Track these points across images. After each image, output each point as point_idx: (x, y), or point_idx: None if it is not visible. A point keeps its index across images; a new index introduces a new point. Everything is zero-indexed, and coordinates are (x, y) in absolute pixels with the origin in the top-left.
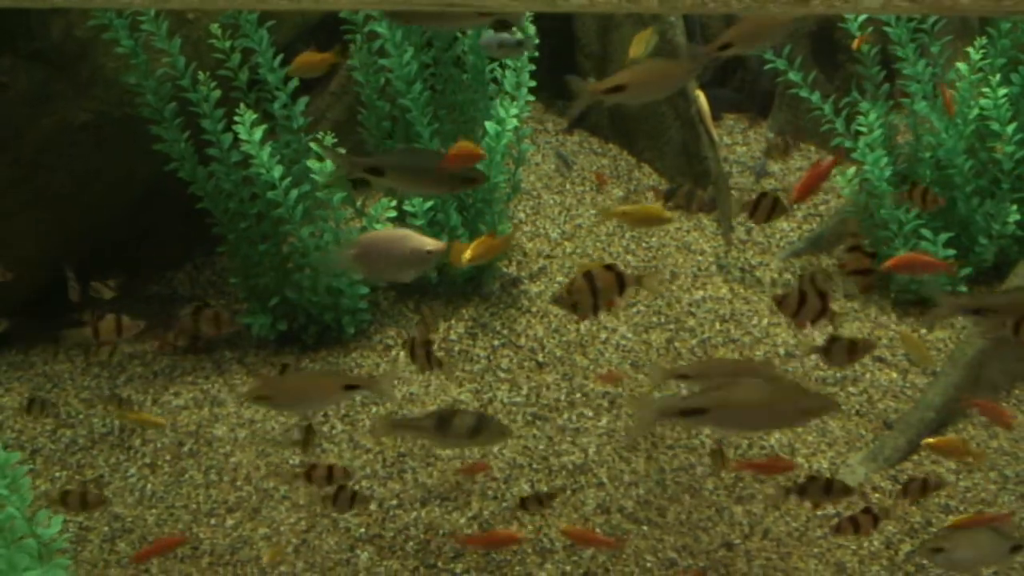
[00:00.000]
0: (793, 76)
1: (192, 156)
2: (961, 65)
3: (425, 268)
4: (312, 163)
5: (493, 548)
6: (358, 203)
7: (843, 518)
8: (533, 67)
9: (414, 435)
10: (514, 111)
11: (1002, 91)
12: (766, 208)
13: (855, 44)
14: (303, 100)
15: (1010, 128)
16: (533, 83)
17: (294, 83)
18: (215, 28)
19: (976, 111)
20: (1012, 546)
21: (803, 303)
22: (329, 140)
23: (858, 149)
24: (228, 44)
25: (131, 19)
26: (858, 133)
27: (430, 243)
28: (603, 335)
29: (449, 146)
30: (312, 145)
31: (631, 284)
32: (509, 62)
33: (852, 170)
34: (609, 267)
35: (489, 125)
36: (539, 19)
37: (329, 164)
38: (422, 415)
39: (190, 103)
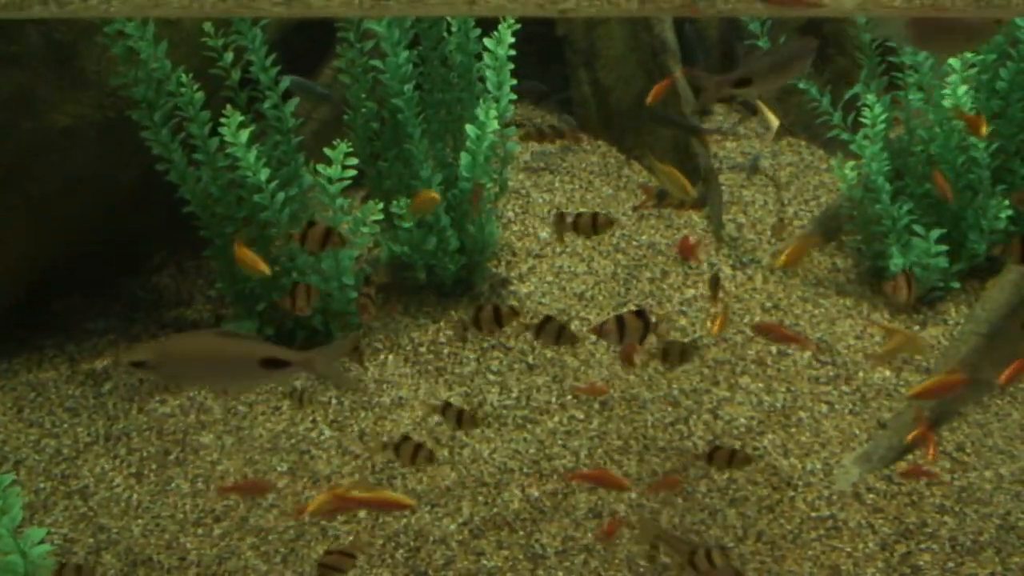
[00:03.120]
0: None
1: (182, 158)
2: (954, 61)
3: None
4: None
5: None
6: (345, 205)
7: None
8: (512, 66)
9: (668, 548)
10: (494, 112)
11: (962, 89)
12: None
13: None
14: (294, 100)
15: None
16: (515, 81)
17: (285, 83)
18: (208, 27)
19: (968, 105)
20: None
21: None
22: (344, 148)
23: (855, 142)
24: (220, 42)
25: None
26: (861, 125)
27: None
28: (593, 336)
29: (437, 145)
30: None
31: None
32: (489, 61)
33: (851, 164)
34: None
35: (469, 128)
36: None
37: (334, 170)
38: (684, 540)
39: (179, 105)
